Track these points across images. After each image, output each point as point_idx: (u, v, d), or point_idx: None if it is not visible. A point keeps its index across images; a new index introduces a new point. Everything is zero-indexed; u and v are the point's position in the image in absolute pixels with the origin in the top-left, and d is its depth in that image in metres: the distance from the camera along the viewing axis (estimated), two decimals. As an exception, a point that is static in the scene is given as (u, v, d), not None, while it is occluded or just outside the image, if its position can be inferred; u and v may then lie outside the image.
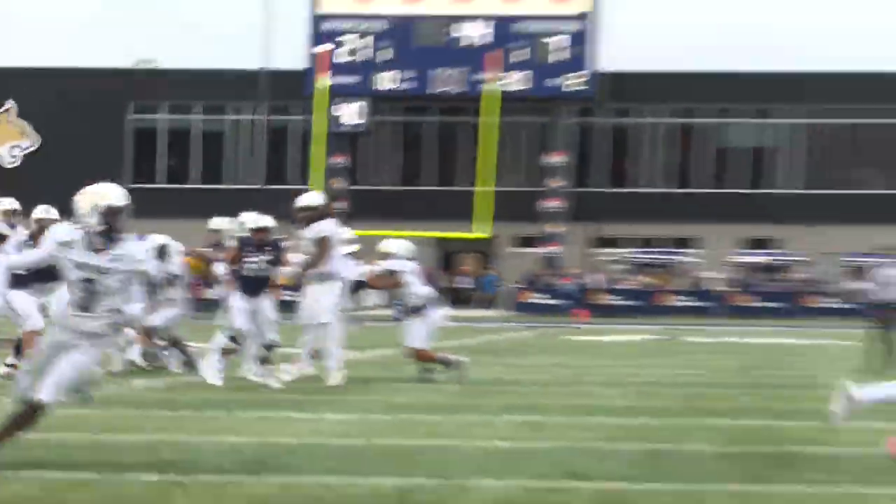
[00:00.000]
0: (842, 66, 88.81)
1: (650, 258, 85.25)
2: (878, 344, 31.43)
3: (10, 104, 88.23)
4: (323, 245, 23.60)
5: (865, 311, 34.20)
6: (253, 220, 24.61)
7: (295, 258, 24.61)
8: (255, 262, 24.11)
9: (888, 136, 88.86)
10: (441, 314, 28.16)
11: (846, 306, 66.62)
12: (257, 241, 24.38)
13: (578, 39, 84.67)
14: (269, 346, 24.40)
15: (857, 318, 43.99)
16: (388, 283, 26.05)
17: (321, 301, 23.53)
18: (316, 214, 24.00)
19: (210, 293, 27.56)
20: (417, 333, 26.40)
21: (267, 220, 24.55)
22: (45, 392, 12.76)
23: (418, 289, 26.67)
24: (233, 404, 20.65)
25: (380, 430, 17.52)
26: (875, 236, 70.89)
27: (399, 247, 26.64)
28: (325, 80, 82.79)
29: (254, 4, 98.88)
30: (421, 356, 26.61)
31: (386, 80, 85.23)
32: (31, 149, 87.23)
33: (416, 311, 26.52)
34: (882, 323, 31.61)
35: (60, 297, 14.30)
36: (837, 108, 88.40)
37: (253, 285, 24.07)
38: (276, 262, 24.25)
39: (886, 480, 13.44)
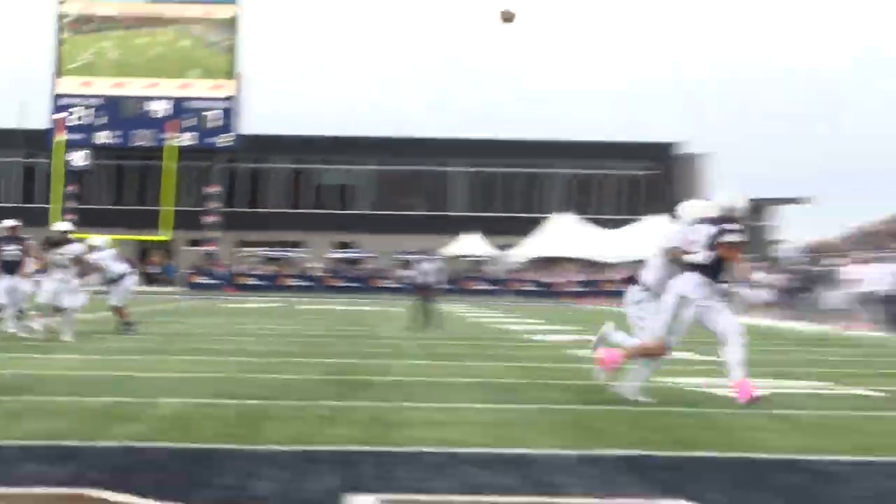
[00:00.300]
0: (398, 133, 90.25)
1: (275, 254, 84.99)
2: (419, 311, 31.79)
3: None
4: (77, 260, 23.67)
5: (411, 289, 34.70)
6: (10, 222, 24.46)
7: (30, 261, 24.71)
8: (11, 251, 23.87)
9: (427, 178, 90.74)
10: (132, 284, 28.27)
11: (398, 286, 67.25)
12: (12, 235, 24.18)
13: (227, 113, 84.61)
14: (21, 311, 24.14)
15: (405, 293, 44.35)
16: (94, 269, 26.00)
17: (70, 290, 23.39)
18: (65, 238, 24.01)
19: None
20: (115, 296, 26.61)
21: (19, 222, 24.49)
22: None
23: (115, 267, 26.88)
24: (-2, 349, 20.18)
25: (97, 366, 17.07)
26: (417, 242, 71.92)
27: (100, 241, 27.09)
28: (62, 137, 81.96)
29: (15, 83, 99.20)
30: (117, 311, 26.63)
31: (102, 137, 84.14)
32: None
33: (114, 281, 26.67)
34: (421, 297, 32.09)
35: None
36: (396, 159, 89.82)
37: (11, 267, 23.77)
38: (25, 250, 24.07)
39: (424, 398, 13.44)
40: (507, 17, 14.64)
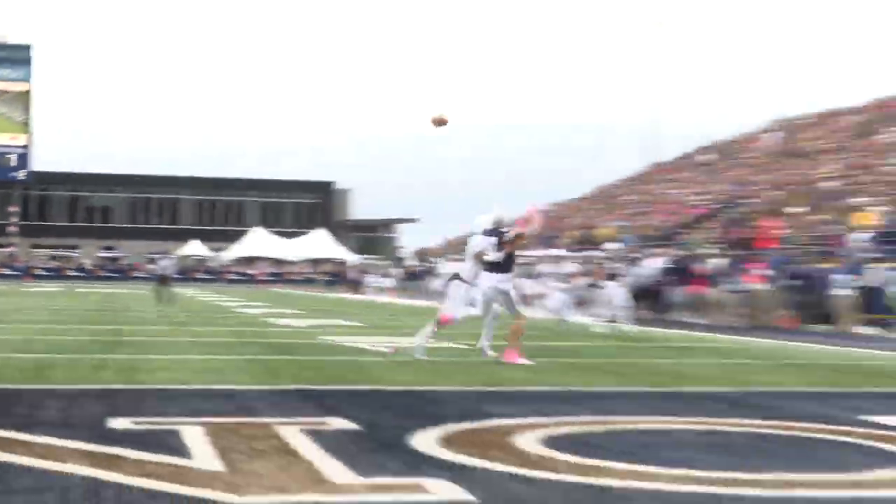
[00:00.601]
0: (147, 171, 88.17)
1: (58, 253, 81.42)
2: (160, 293, 31.16)
3: None
4: None
5: (154, 278, 34.02)
6: None
7: None
8: None
9: (165, 203, 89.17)
10: None
11: (146, 276, 65.33)
12: None
13: (23, 157, 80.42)
14: None
15: (150, 281, 43.16)
16: None
17: None
18: None
19: None
20: None
21: None
22: None
23: None
24: None
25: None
26: (158, 246, 70.34)
27: None
28: None
29: None
30: None
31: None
32: None
33: None
34: (161, 283, 31.65)
35: None
36: (144, 188, 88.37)
37: None
38: None
39: (163, 351, 13.14)
40: (440, 122, 13.60)
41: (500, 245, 12.71)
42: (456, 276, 13.81)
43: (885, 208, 29.85)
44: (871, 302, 22.88)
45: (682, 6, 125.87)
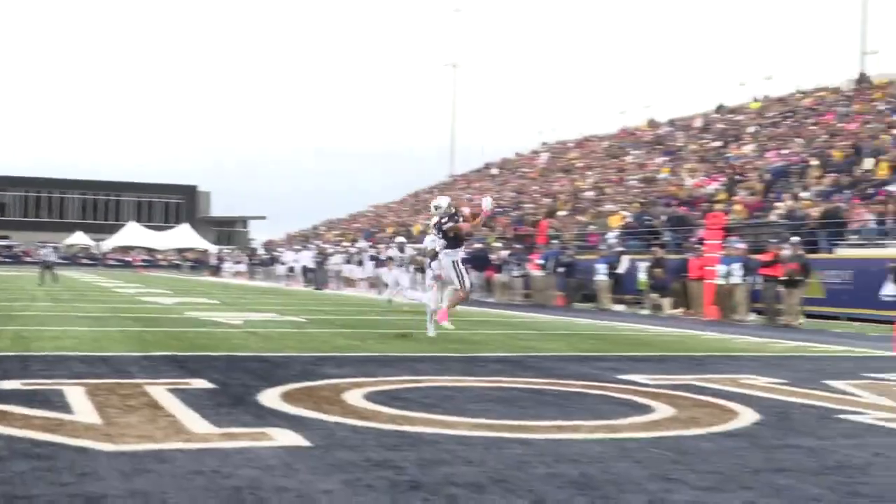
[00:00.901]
0: (35, 174, 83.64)
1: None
2: (45, 275, 29.93)
3: None
4: None
5: (41, 263, 32.36)
6: None
7: None
8: None
9: (53, 201, 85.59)
10: None
11: (35, 261, 61.58)
12: None
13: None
14: None
15: (38, 265, 40.99)
16: None
17: None
18: None
19: None
20: None
21: None
22: None
23: None
24: None
25: None
26: (46, 236, 66.99)
27: None
28: None
29: None
30: None
31: None
32: None
33: None
34: (46, 267, 30.84)
35: None
36: (34, 188, 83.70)
37: None
38: None
39: (49, 324, 12.47)
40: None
41: (443, 233, 12.33)
42: (420, 269, 13.75)
43: (628, 213, 31.02)
44: (623, 285, 23.75)
45: (471, 52, 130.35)
